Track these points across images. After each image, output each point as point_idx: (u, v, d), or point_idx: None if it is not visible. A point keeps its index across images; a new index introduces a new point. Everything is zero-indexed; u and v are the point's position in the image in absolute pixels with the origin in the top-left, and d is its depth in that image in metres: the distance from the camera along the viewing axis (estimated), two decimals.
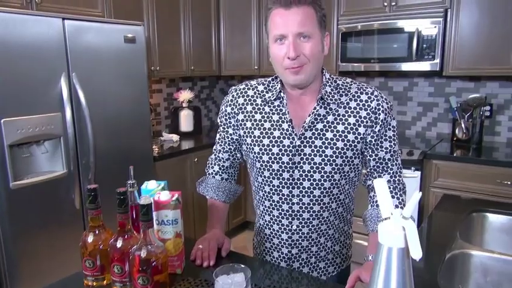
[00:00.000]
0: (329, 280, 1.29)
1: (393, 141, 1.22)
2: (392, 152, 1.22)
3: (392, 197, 1.21)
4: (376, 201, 1.23)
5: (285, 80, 1.19)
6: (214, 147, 1.39)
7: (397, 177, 1.24)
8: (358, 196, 1.37)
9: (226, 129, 1.32)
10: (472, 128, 2.93)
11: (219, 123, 1.35)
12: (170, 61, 3.23)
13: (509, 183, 2.44)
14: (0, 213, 1.90)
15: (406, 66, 2.92)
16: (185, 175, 3.03)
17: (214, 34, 3.66)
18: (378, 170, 1.23)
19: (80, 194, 2.18)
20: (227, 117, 1.30)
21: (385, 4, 2.95)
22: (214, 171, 1.38)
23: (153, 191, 1.15)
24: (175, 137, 3.29)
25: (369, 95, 1.19)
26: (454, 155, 2.75)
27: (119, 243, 1.00)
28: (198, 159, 3.09)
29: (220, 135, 1.36)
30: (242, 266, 0.93)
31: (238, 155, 1.35)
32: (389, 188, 1.21)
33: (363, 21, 3.04)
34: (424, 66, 2.85)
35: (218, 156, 1.36)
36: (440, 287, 1.07)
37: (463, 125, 2.94)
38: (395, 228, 0.74)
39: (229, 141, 1.33)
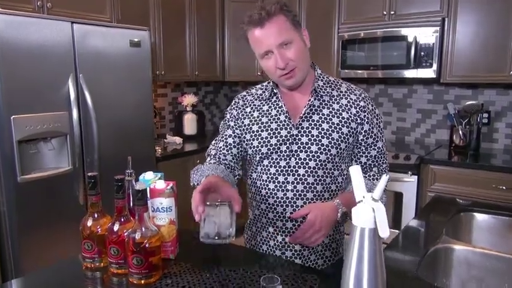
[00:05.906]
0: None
1: (381, 139, 1.32)
2: (381, 148, 1.32)
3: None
4: (371, 176, 1.31)
5: (281, 85, 1.29)
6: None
7: (386, 170, 1.34)
8: None
9: (224, 131, 1.40)
10: (470, 134, 2.97)
11: (220, 131, 1.43)
12: (175, 65, 3.32)
13: (504, 188, 2.48)
14: (8, 204, 1.99)
15: (404, 74, 2.99)
16: (187, 175, 3.08)
17: (218, 40, 3.75)
18: (373, 163, 1.32)
19: (84, 190, 2.26)
20: (227, 122, 1.40)
21: (385, 13, 3.03)
22: (210, 156, 1.41)
23: (150, 181, 1.22)
24: (178, 140, 3.38)
25: (357, 96, 1.30)
26: (452, 160, 2.80)
27: (116, 227, 1.07)
28: (200, 160, 3.14)
29: (216, 139, 1.44)
30: (226, 202, 1.08)
31: (228, 157, 1.37)
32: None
33: (363, 29, 3.12)
34: (422, 73, 2.91)
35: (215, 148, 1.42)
36: (421, 277, 1.12)
37: (460, 132, 2.98)
38: (367, 211, 0.81)
39: (225, 141, 1.39)
